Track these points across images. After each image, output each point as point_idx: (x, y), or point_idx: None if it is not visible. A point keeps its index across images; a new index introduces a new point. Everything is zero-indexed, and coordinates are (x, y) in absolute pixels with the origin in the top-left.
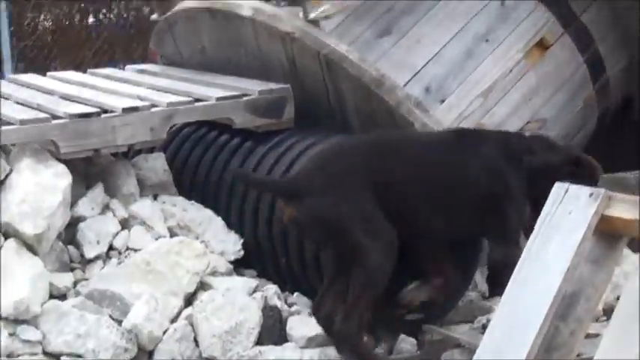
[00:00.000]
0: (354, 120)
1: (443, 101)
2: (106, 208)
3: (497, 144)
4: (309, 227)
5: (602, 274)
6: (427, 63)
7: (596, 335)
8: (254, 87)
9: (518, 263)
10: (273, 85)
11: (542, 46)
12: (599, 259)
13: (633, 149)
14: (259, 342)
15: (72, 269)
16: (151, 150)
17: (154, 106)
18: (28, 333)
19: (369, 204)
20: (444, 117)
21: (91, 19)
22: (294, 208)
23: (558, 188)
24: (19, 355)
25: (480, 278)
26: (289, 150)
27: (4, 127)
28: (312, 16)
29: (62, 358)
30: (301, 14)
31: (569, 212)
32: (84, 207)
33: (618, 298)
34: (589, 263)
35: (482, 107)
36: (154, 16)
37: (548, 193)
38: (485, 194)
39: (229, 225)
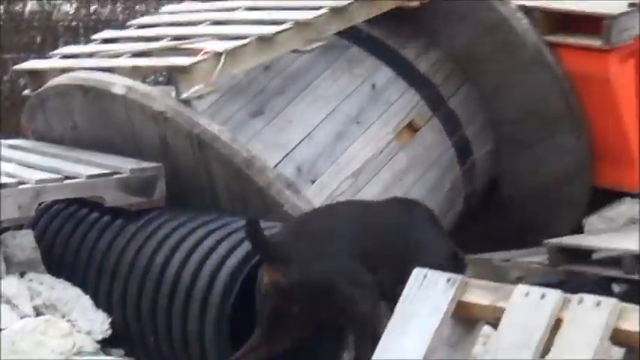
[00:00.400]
0: (225, 199)
1: (314, 181)
2: None
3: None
4: (294, 292)
5: (459, 357)
6: (299, 143)
7: None
8: (125, 165)
9: (379, 344)
10: (145, 164)
11: (411, 128)
12: (456, 342)
13: (498, 230)
14: None
15: None
16: (20, 227)
17: (22, 183)
18: None
19: (353, 262)
20: (315, 197)
21: None
22: (279, 272)
23: (417, 273)
24: None
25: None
26: (159, 228)
27: None
28: (184, 95)
29: None
30: (174, 93)
31: (427, 297)
32: None
33: None
34: (447, 347)
35: (353, 187)
36: (27, 92)
37: None
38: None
39: (97, 303)
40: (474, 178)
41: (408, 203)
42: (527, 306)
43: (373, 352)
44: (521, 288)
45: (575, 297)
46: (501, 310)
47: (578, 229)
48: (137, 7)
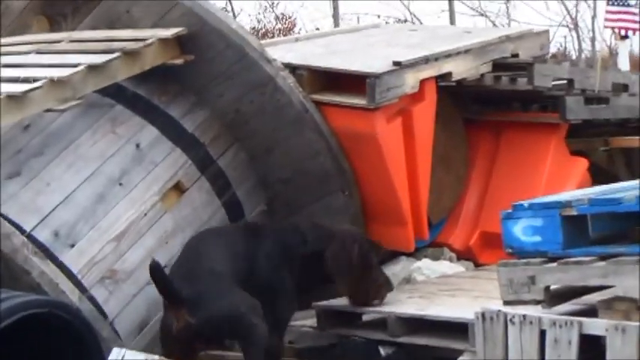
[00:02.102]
0: None
1: (73, 246)
2: None
3: (276, 240)
4: (206, 328)
5: None
6: (56, 207)
7: None
8: None
9: None
10: None
11: (178, 189)
12: None
13: None
14: None
15: None
16: None
17: None
18: None
19: (242, 291)
20: (74, 262)
21: None
22: (189, 314)
23: (116, 353)
24: None
25: None
26: None
27: None
28: None
29: None
30: None
31: None
32: None
33: None
34: None
35: (116, 251)
36: None
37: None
38: (267, 287)
39: None
40: None
41: (257, 230)
42: None
43: None
44: None
45: None
46: None
47: None
48: None
